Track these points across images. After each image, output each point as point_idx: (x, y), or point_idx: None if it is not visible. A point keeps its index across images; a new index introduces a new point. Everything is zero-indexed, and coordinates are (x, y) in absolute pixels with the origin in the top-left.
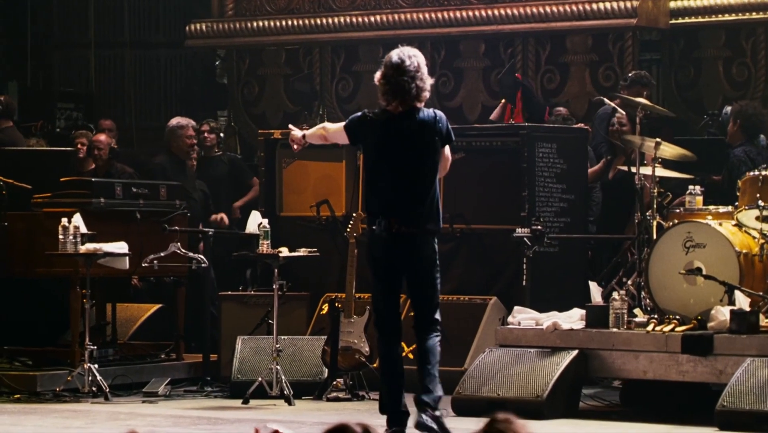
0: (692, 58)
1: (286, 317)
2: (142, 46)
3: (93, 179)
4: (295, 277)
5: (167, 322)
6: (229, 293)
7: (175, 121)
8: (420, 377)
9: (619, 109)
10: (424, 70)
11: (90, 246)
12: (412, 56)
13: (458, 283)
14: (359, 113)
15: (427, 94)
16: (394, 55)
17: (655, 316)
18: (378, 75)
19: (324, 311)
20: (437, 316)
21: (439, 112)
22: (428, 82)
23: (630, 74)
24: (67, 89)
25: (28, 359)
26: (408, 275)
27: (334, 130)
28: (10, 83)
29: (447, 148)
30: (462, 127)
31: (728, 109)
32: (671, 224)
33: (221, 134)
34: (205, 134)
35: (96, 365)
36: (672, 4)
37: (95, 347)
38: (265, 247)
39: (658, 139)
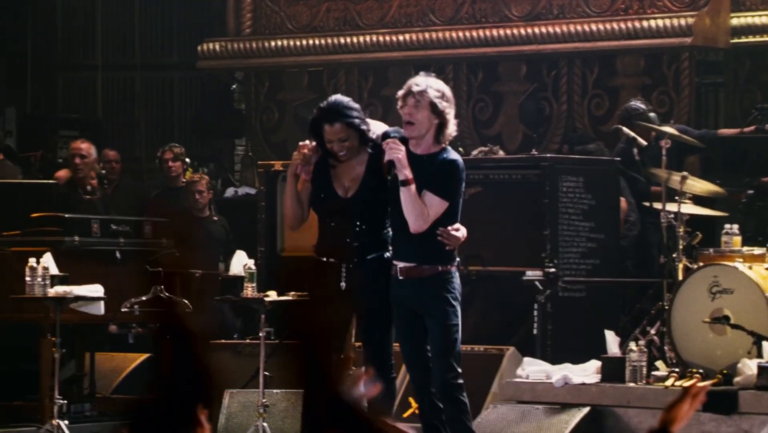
0: (759, 81)
1: (284, 369)
2: (154, 68)
3: (66, 215)
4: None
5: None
6: (222, 341)
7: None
8: None
9: (640, 139)
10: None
11: (60, 289)
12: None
13: (473, 331)
14: None
15: None
16: None
17: (677, 369)
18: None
19: None
20: None
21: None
22: None
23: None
24: (71, 116)
25: None
26: None
27: None
28: (8, 109)
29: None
30: (478, 158)
31: None
32: (697, 267)
33: (187, 160)
34: (169, 163)
35: (67, 422)
36: (734, 21)
37: (65, 402)
38: (249, 290)
39: (684, 173)
